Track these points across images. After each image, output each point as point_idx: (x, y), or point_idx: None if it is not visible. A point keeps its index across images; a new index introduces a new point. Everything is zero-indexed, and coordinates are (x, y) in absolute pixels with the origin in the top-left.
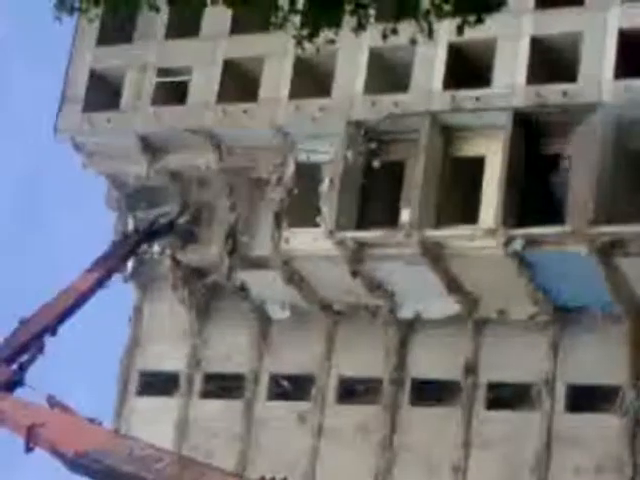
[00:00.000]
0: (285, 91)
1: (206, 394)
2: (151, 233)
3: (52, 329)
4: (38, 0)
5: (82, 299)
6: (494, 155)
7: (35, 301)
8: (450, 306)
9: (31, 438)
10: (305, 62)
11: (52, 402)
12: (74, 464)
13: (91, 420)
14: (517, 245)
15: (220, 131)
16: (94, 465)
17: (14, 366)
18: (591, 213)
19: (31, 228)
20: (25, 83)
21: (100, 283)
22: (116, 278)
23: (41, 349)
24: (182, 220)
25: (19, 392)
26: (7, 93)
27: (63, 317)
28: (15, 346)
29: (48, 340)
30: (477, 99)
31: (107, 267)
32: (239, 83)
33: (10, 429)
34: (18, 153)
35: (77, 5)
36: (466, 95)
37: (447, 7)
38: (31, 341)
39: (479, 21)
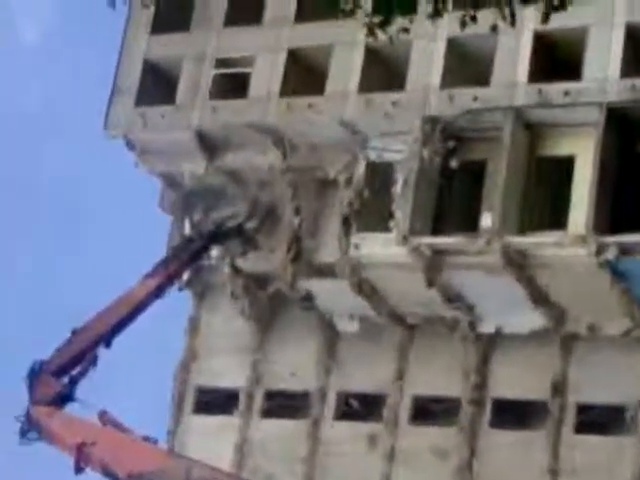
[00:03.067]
0: (354, 84)
1: (268, 413)
2: (216, 237)
3: (106, 340)
4: None
5: (139, 308)
6: (585, 154)
7: (90, 302)
8: (535, 320)
9: (81, 457)
10: (377, 52)
11: (104, 419)
12: None
13: (145, 438)
14: (610, 254)
15: (283, 127)
16: None
17: (64, 379)
18: None
19: (83, 229)
20: (74, 75)
21: (159, 291)
22: (171, 287)
23: (94, 362)
24: (251, 224)
25: (69, 408)
26: (54, 86)
27: (118, 327)
28: (66, 358)
29: (101, 352)
30: (566, 93)
31: (168, 273)
32: (304, 75)
33: (59, 448)
34: (66, 150)
35: None
36: (554, 89)
37: None
38: (83, 353)
39: (562, 7)
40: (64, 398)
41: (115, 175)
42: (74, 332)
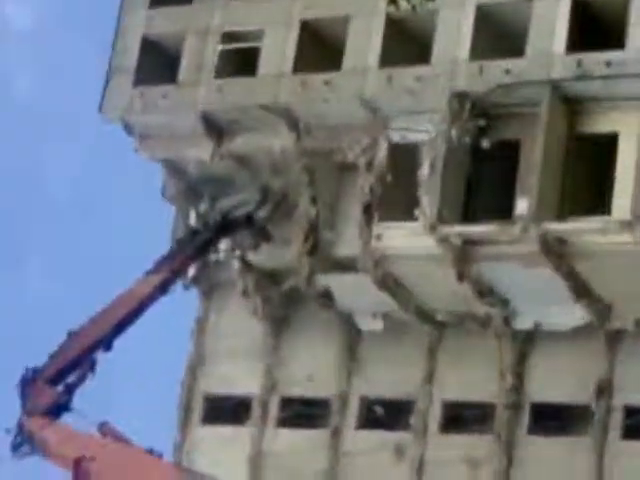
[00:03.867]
0: (375, 58)
1: (284, 422)
2: (225, 228)
3: (106, 343)
4: None
5: (141, 307)
6: (629, 132)
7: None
8: (577, 315)
9: (79, 473)
10: (399, 23)
11: (104, 430)
12: None
13: (149, 451)
14: None
15: (297, 107)
16: None
17: (60, 388)
18: None
19: (84, 222)
20: (69, 57)
21: (163, 288)
22: (176, 284)
23: (92, 367)
24: (262, 212)
25: (66, 418)
26: (49, 70)
27: (119, 329)
28: (62, 364)
29: (101, 356)
30: (608, 64)
31: (172, 269)
32: (319, 49)
33: (55, 462)
34: (64, 139)
35: None
36: (594, 59)
37: None
38: (81, 358)
39: None
40: (60, 408)
41: (114, 162)
42: (70, 335)
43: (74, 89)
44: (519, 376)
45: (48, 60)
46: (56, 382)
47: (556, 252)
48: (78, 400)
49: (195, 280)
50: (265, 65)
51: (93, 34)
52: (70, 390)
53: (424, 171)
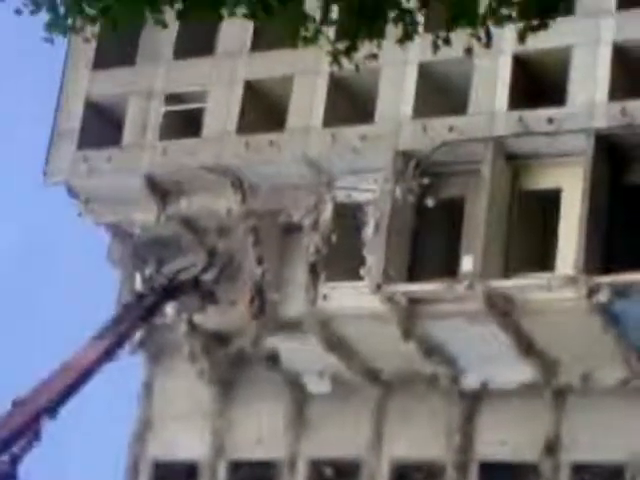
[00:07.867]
0: (318, 118)
1: None
2: (171, 291)
3: (51, 411)
4: (21, 23)
5: (87, 374)
6: (572, 187)
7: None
8: (523, 372)
9: None
10: (342, 82)
11: None
12: None
13: None
14: (602, 296)
15: (242, 168)
16: None
17: (5, 457)
18: None
19: (38, 285)
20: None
21: (109, 354)
22: (122, 349)
23: (37, 435)
24: (208, 275)
25: None
26: None
27: (64, 396)
28: (7, 432)
29: (46, 424)
30: (550, 120)
31: (118, 334)
32: (263, 109)
33: None
34: (11, 203)
35: (71, 23)
36: (536, 116)
37: (505, 10)
38: (26, 426)
39: (543, 26)
40: (6, 477)
41: (58, 226)
42: (15, 403)
43: (15, 146)
44: (467, 435)
45: None
46: (1, 451)
47: (501, 309)
48: (25, 468)
49: (142, 344)
50: (209, 126)
51: (36, 97)
52: (16, 459)
53: (369, 231)
